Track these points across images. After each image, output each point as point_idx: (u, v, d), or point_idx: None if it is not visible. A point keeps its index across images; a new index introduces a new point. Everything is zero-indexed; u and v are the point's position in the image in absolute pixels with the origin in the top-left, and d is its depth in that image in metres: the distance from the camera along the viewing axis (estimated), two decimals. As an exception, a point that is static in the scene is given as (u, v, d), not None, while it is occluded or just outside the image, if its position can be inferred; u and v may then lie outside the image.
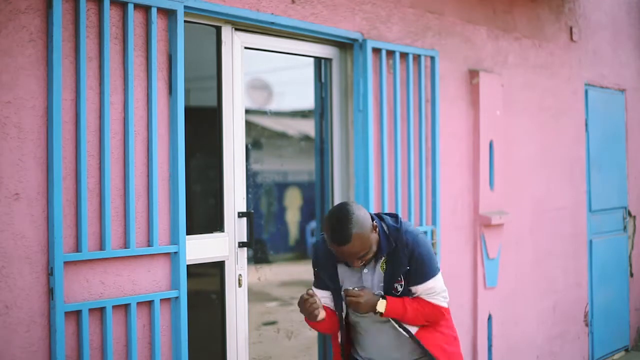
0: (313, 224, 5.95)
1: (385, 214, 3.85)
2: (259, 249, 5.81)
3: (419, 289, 3.75)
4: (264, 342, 5.69)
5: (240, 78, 4.90)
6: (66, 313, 3.89)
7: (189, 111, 4.45)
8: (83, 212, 3.95)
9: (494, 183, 6.65)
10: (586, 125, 8.11)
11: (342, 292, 3.79)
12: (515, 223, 6.98)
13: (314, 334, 5.67)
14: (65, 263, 3.89)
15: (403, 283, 3.74)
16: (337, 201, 5.58)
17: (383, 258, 3.74)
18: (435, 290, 3.77)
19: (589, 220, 8.16)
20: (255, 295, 5.55)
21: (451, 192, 6.27)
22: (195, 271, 4.67)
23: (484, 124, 6.55)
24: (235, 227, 4.87)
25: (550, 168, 7.57)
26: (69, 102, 3.93)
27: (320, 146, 5.64)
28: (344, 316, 3.89)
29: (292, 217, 6.24)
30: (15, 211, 3.74)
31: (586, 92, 8.10)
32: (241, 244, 4.89)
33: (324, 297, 3.89)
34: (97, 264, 4.03)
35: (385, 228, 3.74)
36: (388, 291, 3.74)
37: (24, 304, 3.77)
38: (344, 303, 3.84)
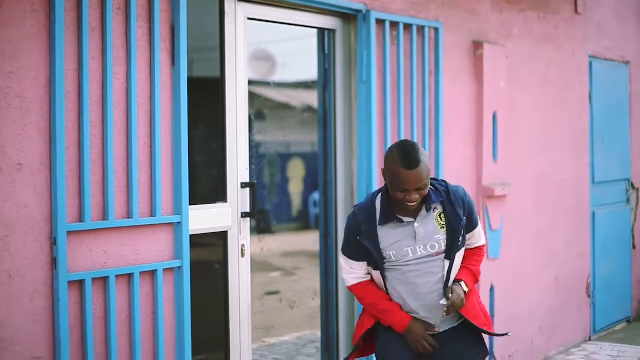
0: (316, 195, 5.97)
1: None
2: (261, 220, 5.84)
3: (474, 234, 4.10)
4: (267, 312, 5.73)
5: (243, 49, 4.90)
6: (69, 282, 3.91)
7: (191, 82, 4.45)
8: (86, 183, 3.96)
9: (497, 155, 6.65)
10: (590, 97, 8.09)
11: (444, 313, 3.91)
12: (518, 195, 6.98)
13: (316, 303, 5.70)
14: (69, 233, 3.90)
15: (464, 233, 3.98)
16: (340, 172, 5.59)
17: (437, 211, 3.92)
18: (481, 234, 4.15)
19: (592, 193, 8.16)
20: (258, 266, 5.58)
21: (454, 164, 6.28)
22: (198, 241, 4.68)
23: (487, 96, 6.54)
24: (238, 198, 4.88)
25: (554, 140, 7.56)
26: (71, 73, 3.94)
27: (324, 117, 5.64)
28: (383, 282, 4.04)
29: (295, 188, 6.25)
30: (19, 181, 3.76)
31: (590, 64, 8.07)
32: (244, 215, 4.91)
33: (357, 267, 4.03)
34: (100, 234, 4.05)
35: (431, 185, 3.94)
36: (453, 245, 3.92)
37: (27, 273, 3.79)
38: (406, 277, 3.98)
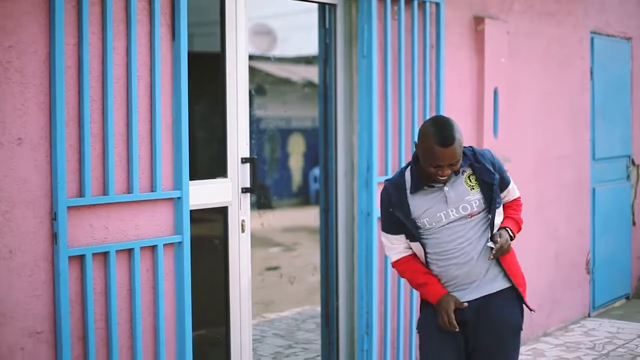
0: (316, 171, 5.96)
1: None
2: (262, 195, 5.83)
3: (509, 190, 4.16)
4: (267, 287, 5.74)
5: (243, 23, 4.87)
6: (70, 257, 3.91)
7: (192, 57, 4.43)
8: (86, 157, 3.96)
9: (498, 130, 6.64)
10: (591, 73, 8.06)
11: (492, 255, 3.95)
12: (518, 170, 6.97)
13: (316, 279, 5.71)
14: (69, 208, 3.90)
15: (496, 190, 4.00)
16: (340, 148, 5.58)
17: (466, 173, 3.97)
18: (514, 188, 4.21)
19: (592, 169, 8.15)
20: (258, 241, 5.59)
21: (455, 140, 6.25)
22: (199, 216, 4.68)
23: (488, 72, 6.52)
24: (238, 173, 4.88)
25: (555, 116, 7.54)
26: (71, 47, 3.92)
27: (324, 92, 5.63)
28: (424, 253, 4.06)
29: (296, 163, 6.25)
30: (19, 156, 3.75)
31: (592, 40, 8.04)
32: (244, 190, 4.90)
33: (397, 241, 4.07)
34: (100, 209, 4.05)
35: None
36: (492, 204, 3.97)
37: (27, 248, 3.79)
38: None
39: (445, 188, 3.94)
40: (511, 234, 4.05)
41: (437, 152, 3.78)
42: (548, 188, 7.46)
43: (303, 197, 6.27)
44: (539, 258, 7.40)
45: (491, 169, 3.98)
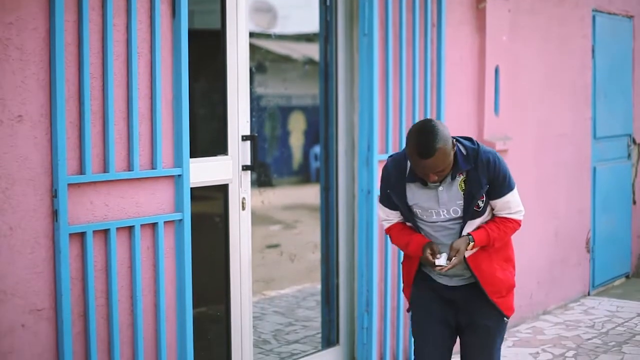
0: (317, 149, 5.95)
1: (460, 137, 3.99)
2: (262, 173, 5.83)
3: (498, 203, 3.97)
4: (267, 264, 5.74)
5: (244, 0, 4.85)
6: (70, 235, 3.91)
7: (192, 34, 4.42)
8: (86, 135, 3.95)
9: (499, 109, 6.63)
10: (593, 51, 8.04)
11: (437, 269, 3.94)
12: (519, 149, 6.97)
13: (316, 257, 5.71)
14: (69, 185, 3.90)
15: (484, 200, 3.92)
16: (341, 126, 5.57)
17: (462, 177, 3.90)
18: (511, 204, 4.00)
19: (593, 148, 8.15)
20: (259, 219, 5.59)
21: (456, 117, 6.25)
22: (199, 194, 4.68)
23: (490, 50, 6.50)
24: (239, 151, 4.87)
25: (556, 95, 7.53)
26: (71, 24, 3.90)
27: (325, 70, 5.61)
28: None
29: (296, 141, 6.24)
30: (19, 133, 3.74)
31: (593, 18, 8.01)
32: (245, 167, 4.90)
33: (393, 215, 4.10)
34: (101, 186, 4.04)
35: (463, 148, 3.90)
36: (469, 210, 3.90)
37: (28, 225, 3.79)
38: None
39: (440, 188, 3.92)
40: (471, 246, 3.94)
41: (419, 162, 3.75)
42: (548, 167, 7.46)
43: (303, 175, 6.27)
44: (539, 236, 7.41)
45: (483, 179, 3.87)
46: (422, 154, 3.71)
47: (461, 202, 3.91)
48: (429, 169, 3.76)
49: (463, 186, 3.90)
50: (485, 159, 3.88)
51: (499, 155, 3.97)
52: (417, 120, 5.76)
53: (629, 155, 8.83)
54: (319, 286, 5.77)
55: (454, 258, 3.90)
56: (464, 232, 3.96)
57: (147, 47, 4.21)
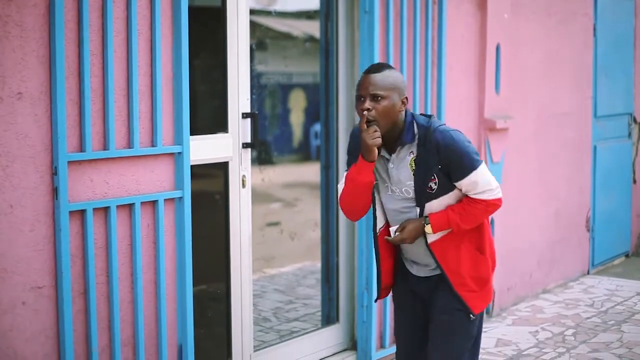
0: (317, 127, 5.94)
1: (421, 114, 3.83)
2: (263, 150, 5.82)
3: (463, 184, 3.70)
4: (268, 242, 5.74)
5: (245, -23, 4.83)
6: (70, 212, 3.91)
7: (192, 10, 4.40)
8: (86, 112, 3.94)
9: (499, 87, 6.61)
10: (594, 30, 8.01)
11: (385, 239, 3.81)
12: (519, 128, 6.96)
13: (317, 235, 5.72)
14: (69, 163, 3.89)
15: (437, 182, 3.69)
16: (341, 104, 5.56)
17: (412, 156, 3.71)
18: (478, 184, 3.70)
19: (594, 126, 8.14)
20: (259, 197, 5.58)
21: (457, 96, 6.24)
22: (199, 172, 4.67)
23: (491, 28, 6.48)
24: (239, 128, 4.86)
25: (557, 73, 7.51)
26: (70, 1, 3.88)
27: (325, 47, 5.59)
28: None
29: (297, 118, 6.22)
30: (19, 110, 3.73)
31: (596, -4, 7.99)
32: (245, 145, 4.89)
33: None
34: (101, 164, 4.03)
35: (415, 124, 3.72)
36: (422, 191, 3.71)
37: (28, 203, 3.78)
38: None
39: (390, 165, 3.76)
40: (430, 229, 3.72)
41: (362, 79, 3.66)
42: (549, 145, 7.45)
43: (304, 153, 6.25)
44: (540, 215, 7.41)
45: (432, 159, 3.66)
46: (370, 70, 3.67)
47: (411, 182, 3.72)
48: (367, 87, 3.61)
49: (413, 165, 3.70)
50: (434, 140, 3.65)
51: (456, 134, 3.70)
52: (417, 98, 5.75)
53: (630, 134, 8.82)
54: (319, 264, 5.77)
55: (397, 233, 3.74)
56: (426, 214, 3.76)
57: (147, 24, 4.19)
